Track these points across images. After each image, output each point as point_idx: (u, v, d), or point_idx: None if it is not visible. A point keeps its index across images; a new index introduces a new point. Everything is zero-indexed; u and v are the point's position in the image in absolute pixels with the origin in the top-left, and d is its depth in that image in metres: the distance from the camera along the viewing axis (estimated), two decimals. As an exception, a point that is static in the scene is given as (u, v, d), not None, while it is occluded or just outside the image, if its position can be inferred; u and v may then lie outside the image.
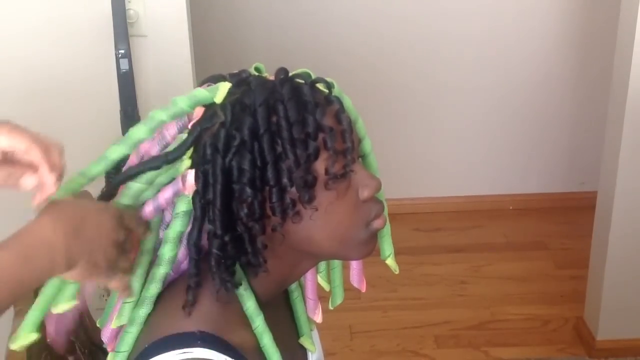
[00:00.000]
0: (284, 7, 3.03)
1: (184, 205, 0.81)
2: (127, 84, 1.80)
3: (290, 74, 0.83)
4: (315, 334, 1.02)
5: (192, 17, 1.94)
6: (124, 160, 0.82)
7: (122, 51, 1.77)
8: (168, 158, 0.80)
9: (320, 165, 0.79)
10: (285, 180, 0.78)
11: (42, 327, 1.02)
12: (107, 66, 1.83)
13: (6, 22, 1.86)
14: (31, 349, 0.98)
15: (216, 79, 0.83)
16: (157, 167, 0.80)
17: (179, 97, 0.80)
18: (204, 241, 0.83)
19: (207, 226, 0.80)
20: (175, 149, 0.79)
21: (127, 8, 1.79)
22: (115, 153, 0.82)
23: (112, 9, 1.76)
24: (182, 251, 0.84)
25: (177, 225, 0.82)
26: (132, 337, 0.86)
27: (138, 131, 0.81)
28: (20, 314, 0.99)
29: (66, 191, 0.79)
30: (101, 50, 1.84)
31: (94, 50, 1.86)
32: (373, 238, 0.86)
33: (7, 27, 1.86)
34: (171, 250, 0.83)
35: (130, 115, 1.81)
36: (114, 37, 1.78)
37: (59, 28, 1.86)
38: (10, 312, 1.00)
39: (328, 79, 0.84)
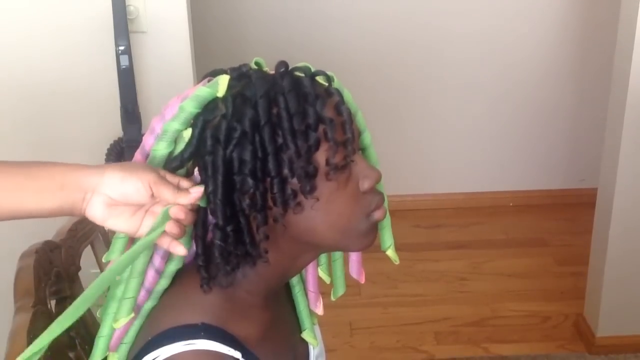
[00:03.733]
0: (284, 4, 3.02)
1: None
2: (127, 80, 1.80)
3: (290, 67, 0.84)
4: (317, 328, 1.03)
5: (192, 13, 1.94)
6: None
7: (122, 47, 1.77)
8: (184, 157, 0.81)
9: (321, 156, 0.79)
10: (286, 170, 0.78)
11: (43, 325, 1.02)
12: (107, 62, 1.83)
13: (6, 20, 1.85)
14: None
15: (216, 73, 0.84)
16: (181, 166, 0.82)
17: (185, 101, 0.80)
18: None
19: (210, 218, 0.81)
20: (187, 146, 0.80)
21: (127, 4, 1.79)
22: None
23: (112, 5, 1.76)
24: None
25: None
26: (135, 330, 0.87)
27: (160, 147, 0.81)
28: (20, 311, 0.99)
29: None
30: (101, 46, 1.84)
31: (94, 47, 1.86)
32: (373, 229, 0.86)
33: (8, 24, 1.86)
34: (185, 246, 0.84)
35: (130, 111, 1.81)
36: (114, 34, 1.78)
37: (60, 25, 1.86)
38: (10, 311, 1.00)
39: (328, 72, 0.85)
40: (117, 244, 0.83)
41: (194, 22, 1.96)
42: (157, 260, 0.85)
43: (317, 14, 3.03)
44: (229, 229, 0.80)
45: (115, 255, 0.83)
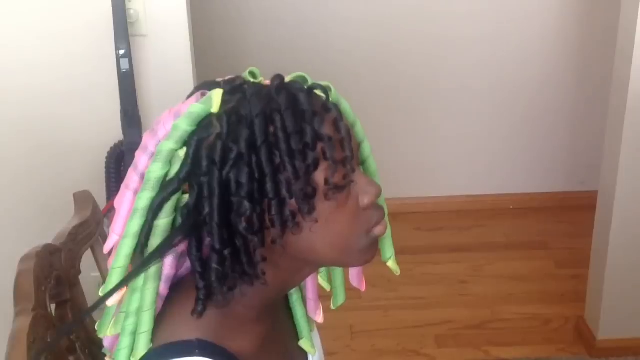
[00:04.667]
0: (284, 7, 3.02)
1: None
2: (127, 83, 1.80)
3: (286, 80, 0.81)
4: (315, 334, 1.02)
5: (192, 16, 1.94)
6: (153, 204, 0.78)
7: (123, 51, 1.78)
8: (180, 178, 0.77)
9: (319, 176, 0.77)
10: (284, 192, 0.76)
11: (43, 329, 1.02)
12: (107, 66, 1.84)
13: (7, 22, 1.86)
14: (32, 349, 0.98)
15: (209, 85, 0.81)
16: (178, 189, 0.78)
17: (179, 120, 0.78)
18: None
19: (207, 239, 0.78)
20: (182, 166, 0.77)
21: (127, 8, 1.79)
22: (143, 200, 0.78)
23: (113, 8, 1.76)
24: (171, 261, 0.82)
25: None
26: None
27: (155, 169, 0.77)
28: (20, 315, 0.99)
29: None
30: (101, 50, 1.84)
31: (95, 50, 1.87)
32: (374, 245, 0.84)
33: (8, 26, 1.86)
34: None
35: (130, 114, 1.81)
36: (114, 37, 1.78)
37: (60, 28, 1.86)
38: (10, 315, 1.00)
39: (324, 84, 0.82)
40: (114, 275, 0.80)
41: (194, 25, 1.96)
42: (162, 287, 0.82)
43: (317, 17, 3.03)
44: (226, 252, 0.77)
45: (110, 286, 0.80)
